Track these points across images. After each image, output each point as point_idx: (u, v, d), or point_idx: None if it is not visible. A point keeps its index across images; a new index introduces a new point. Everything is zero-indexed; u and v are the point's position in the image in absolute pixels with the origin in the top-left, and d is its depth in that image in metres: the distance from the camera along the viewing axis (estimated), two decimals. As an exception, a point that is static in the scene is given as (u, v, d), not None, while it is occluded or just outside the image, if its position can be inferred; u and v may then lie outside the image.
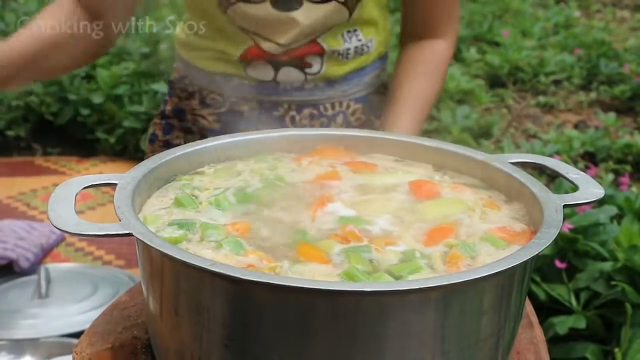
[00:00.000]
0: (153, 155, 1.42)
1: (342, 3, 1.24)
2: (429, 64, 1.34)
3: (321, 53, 1.29)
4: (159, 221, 0.76)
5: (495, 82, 4.51)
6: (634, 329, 1.70)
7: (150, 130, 1.48)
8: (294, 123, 1.33)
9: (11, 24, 4.17)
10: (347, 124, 1.35)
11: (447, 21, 1.34)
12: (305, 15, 1.23)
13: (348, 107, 1.36)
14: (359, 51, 1.32)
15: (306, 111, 1.33)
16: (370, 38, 1.33)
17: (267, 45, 1.26)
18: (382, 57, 1.40)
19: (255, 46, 1.27)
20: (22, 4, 4.45)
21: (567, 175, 0.85)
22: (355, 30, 1.30)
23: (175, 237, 0.73)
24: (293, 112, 1.33)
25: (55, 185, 0.76)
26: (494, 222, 0.80)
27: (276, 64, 1.29)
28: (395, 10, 3.68)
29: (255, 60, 1.29)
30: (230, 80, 1.32)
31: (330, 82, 1.33)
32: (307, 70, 1.30)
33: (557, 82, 4.55)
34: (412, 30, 1.36)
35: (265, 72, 1.30)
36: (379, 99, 1.40)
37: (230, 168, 0.90)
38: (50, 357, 1.80)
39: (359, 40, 1.31)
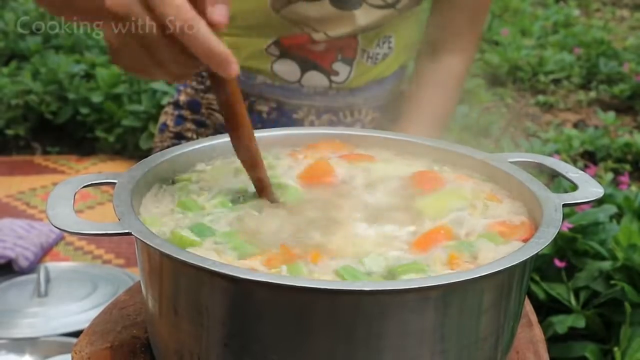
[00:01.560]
0: (162, 144, 1.43)
1: (398, 10, 1.26)
2: (444, 81, 1.35)
3: (354, 52, 1.29)
4: (161, 221, 0.76)
5: (494, 81, 4.51)
6: (633, 328, 1.70)
7: (160, 120, 1.47)
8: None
9: (10, 23, 4.18)
10: None
11: (468, 36, 1.35)
12: (364, 16, 1.24)
13: (367, 114, 1.36)
14: (384, 57, 1.33)
15: (325, 117, 1.33)
16: (396, 45, 1.34)
17: (318, 36, 1.26)
18: (404, 68, 1.41)
19: (302, 34, 1.27)
20: (21, 4, 4.45)
21: (566, 175, 0.85)
22: (390, 37, 1.31)
23: (191, 240, 0.72)
24: (312, 117, 1.33)
25: (55, 184, 0.76)
26: (495, 217, 0.79)
27: (304, 64, 1.29)
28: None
29: (290, 49, 1.28)
30: (254, 77, 1.31)
31: (353, 90, 1.33)
32: (333, 78, 1.30)
33: (556, 81, 4.55)
34: (433, 41, 1.36)
35: (291, 72, 1.30)
36: (396, 107, 1.40)
37: (228, 165, 0.89)
38: (50, 356, 1.80)
39: (390, 48, 1.32)
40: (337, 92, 1.32)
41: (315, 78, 1.30)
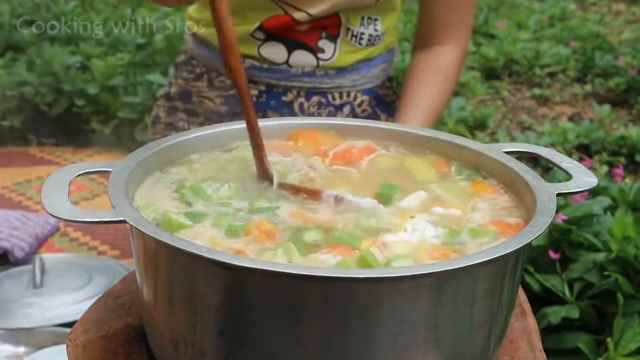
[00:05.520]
0: (155, 136, 1.44)
1: None
2: (437, 71, 1.36)
3: (337, 29, 1.30)
4: (155, 206, 0.76)
5: (490, 74, 4.51)
6: (627, 319, 1.71)
7: (153, 112, 1.49)
8: (302, 109, 1.34)
9: (5, 14, 4.16)
10: (354, 115, 1.37)
11: (458, 27, 1.37)
12: None
13: (355, 97, 1.38)
14: (372, 41, 1.34)
15: (315, 99, 1.35)
16: (384, 31, 1.35)
17: (299, 15, 1.28)
18: (390, 50, 1.42)
19: (284, 15, 1.28)
20: (16, -5, 4.42)
21: (560, 164, 0.85)
22: (376, 20, 1.33)
23: (179, 223, 0.72)
24: (302, 99, 1.34)
25: (50, 176, 0.76)
26: (492, 217, 0.78)
27: (290, 44, 1.30)
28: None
29: (274, 32, 1.29)
30: (242, 61, 1.33)
31: (340, 70, 1.35)
32: (320, 55, 1.31)
33: (552, 75, 4.56)
34: (424, 35, 1.38)
35: (278, 54, 1.31)
36: (385, 93, 1.42)
37: (215, 160, 0.89)
38: (45, 347, 1.80)
39: (376, 30, 1.33)
40: (325, 72, 1.33)
41: (302, 57, 1.32)
